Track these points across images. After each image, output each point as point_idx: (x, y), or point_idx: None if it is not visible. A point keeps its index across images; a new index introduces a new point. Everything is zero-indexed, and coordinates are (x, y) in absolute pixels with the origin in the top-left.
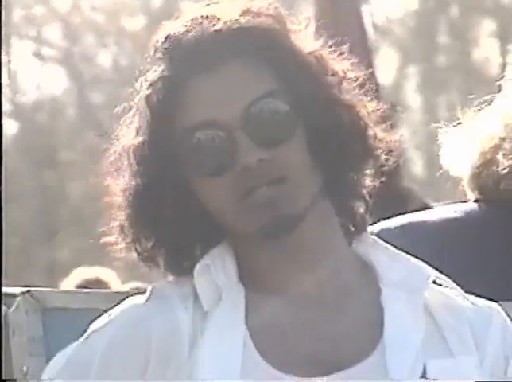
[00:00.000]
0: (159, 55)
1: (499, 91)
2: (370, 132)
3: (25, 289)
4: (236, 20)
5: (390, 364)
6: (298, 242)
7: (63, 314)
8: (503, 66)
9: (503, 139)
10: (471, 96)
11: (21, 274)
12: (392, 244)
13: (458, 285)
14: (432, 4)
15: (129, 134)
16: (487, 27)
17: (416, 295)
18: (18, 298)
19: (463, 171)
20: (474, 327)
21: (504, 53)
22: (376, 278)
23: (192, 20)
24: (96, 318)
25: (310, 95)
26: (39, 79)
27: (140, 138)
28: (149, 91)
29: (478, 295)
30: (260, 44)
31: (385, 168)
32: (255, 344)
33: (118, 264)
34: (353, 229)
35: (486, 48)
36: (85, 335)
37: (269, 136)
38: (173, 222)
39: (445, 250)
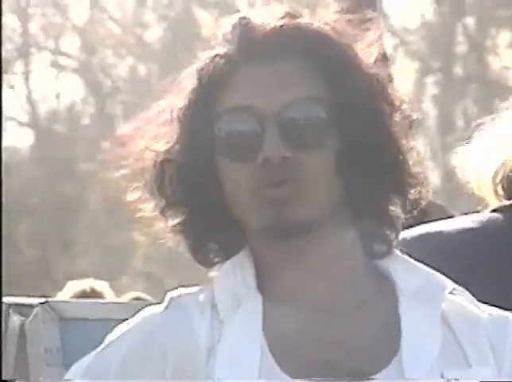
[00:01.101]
0: (223, 36)
1: None
2: (407, 169)
3: (42, 299)
4: (306, 23)
5: (408, 374)
6: (309, 249)
7: (80, 325)
8: None
9: None
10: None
11: (39, 285)
12: (409, 254)
13: (474, 295)
14: (448, 14)
15: (172, 98)
16: (505, 37)
17: (434, 305)
18: (36, 309)
19: (487, 176)
20: (491, 337)
21: None
22: (393, 288)
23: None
24: (113, 328)
25: (357, 113)
26: (56, 90)
27: (183, 103)
28: (202, 64)
29: (494, 305)
30: (321, 50)
31: (415, 206)
32: (272, 353)
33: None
34: (379, 251)
35: (504, 59)
36: (102, 345)
37: (299, 138)
38: (200, 197)
39: (462, 260)
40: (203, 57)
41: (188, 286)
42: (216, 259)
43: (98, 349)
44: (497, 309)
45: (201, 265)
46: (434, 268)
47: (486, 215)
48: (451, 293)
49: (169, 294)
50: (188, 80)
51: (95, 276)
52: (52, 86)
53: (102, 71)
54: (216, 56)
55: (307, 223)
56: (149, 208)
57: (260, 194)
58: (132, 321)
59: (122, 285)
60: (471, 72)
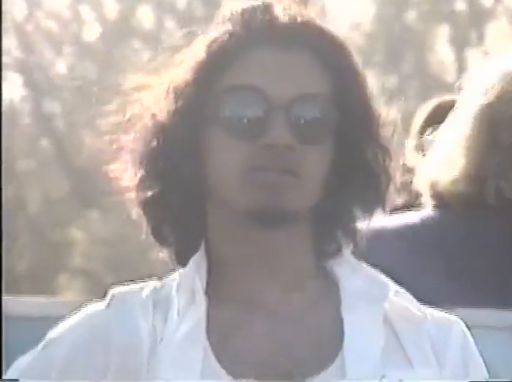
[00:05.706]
0: (232, 15)
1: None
2: (386, 192)
3: None
4: (325, 26)
5: (349, 375)
6: (277, 242)
7: (23, 322)
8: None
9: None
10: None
11: None
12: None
13: (413, 292)
14: (388, 10)
15: (174, 72)
16: (443, 32)
17: (376, 306)
18: None
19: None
20: (433, 339)
21: (459, 59)
22: (337, 288)
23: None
24: (55, 326)
25: (358, 122)
26: None
27: (186, 74)
28: (211, 39)
29: (431, 303)
30: (336, 54)
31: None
32: (216, 355)
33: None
34: (328, 251)
35: (442, 54)
36: (43, 343)
37: (305, 131)
38: (179, 172)
39: (401, 257)
40: (212, 34)
41: (129, 283)
42: (170, 240)
43: (38, 346)
44: (439, 311)
45: (156, 241)
46: (375, 266)
47: (426, 211)
48: (394, 295)
49: (111, 292)
50: (192, 53)
51: (35, 274)
52: None
53: (40, 69)
54: (228, 33)
55: (292, 214)
56: (127, 177)
57: (256, 176)
58: (74, 318)
59: (61, 283)
60: (411, 69)
